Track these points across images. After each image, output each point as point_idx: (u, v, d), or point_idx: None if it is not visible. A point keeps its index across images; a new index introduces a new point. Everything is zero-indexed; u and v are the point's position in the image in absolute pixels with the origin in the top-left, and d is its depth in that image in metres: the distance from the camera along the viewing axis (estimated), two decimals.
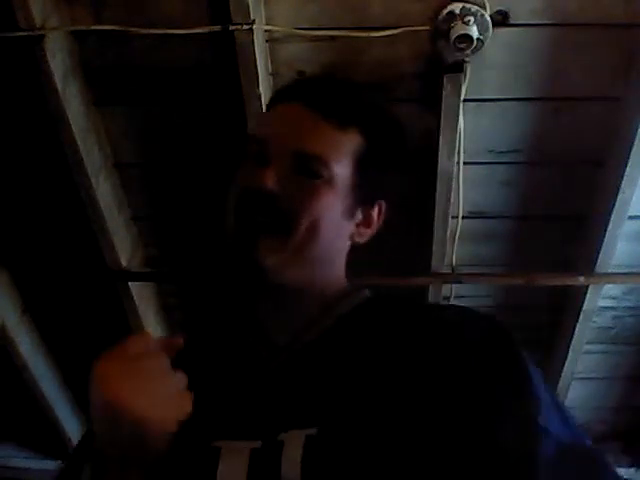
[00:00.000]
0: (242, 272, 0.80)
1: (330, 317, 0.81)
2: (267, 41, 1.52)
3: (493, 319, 0.76)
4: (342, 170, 0.80)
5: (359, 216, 0.84)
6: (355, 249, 0.87)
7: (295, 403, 0.73)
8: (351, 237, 0.85)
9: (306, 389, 0.73)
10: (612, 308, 2.08)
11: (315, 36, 1.50)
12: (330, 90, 0.86)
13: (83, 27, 1.50)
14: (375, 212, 0.86)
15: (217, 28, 1.44)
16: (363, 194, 0.82)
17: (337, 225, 0.81)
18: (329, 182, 0.79)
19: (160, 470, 0.69)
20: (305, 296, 0.81)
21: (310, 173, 0.79)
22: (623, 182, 1.63)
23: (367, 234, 0.86)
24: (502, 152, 1.71)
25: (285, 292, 0.80)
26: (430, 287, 1.97)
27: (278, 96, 0.88)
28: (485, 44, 1.44)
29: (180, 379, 0.68)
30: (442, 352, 0.70)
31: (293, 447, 0.68)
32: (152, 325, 2.11)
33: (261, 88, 1.51)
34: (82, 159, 1.64)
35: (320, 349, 0.78)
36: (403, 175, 0.90)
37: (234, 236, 0.79)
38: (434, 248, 1.84)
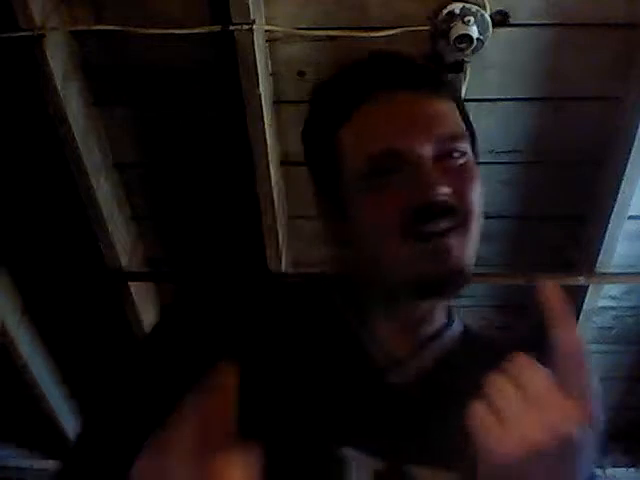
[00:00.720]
0: (440, 284, 0.70)
1: (446, 341, 0.76)
2: (267, 41, 1.52)
3: None
4: (467, 137, 0.75)
5: None
6: None
7: (420, 434, 0.67)
8: None
9: (436, 419, 0.67)
10: (612, 308, 2.07)
11: (315, 36, 1.50)
12: (413, 65, 0.78)
13: (83, 27, 1.50)
14: None
15: (217, 28, 1.44)
16: (476, 157, 0.78)
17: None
18: (470, 157, 0.74)
19: (283, 473, 0.63)
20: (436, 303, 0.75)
21: (454, 152, 0.72)
22: (623, 182, 1.63)
23: None
24: (502, 152, 1.71)
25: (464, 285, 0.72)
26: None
27: (357, 91, 0.74)
28: (485, 44, 1.44)
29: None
30: None
31: None
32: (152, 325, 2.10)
33: (261, 88, 1.51)
34: (82, 159, 1.64)
35: (448, 373, 0.71)
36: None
37: (422, 258, 0.69)
38: None
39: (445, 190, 0.68)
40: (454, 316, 0.80)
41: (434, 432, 0.66)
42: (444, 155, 0.71)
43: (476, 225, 0.72)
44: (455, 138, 0.72)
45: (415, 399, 0.69)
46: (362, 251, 0.74)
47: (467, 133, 0.75)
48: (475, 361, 0.68)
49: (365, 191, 0.71)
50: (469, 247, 0.71)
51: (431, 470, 0.65)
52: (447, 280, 0.69)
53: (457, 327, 0.79)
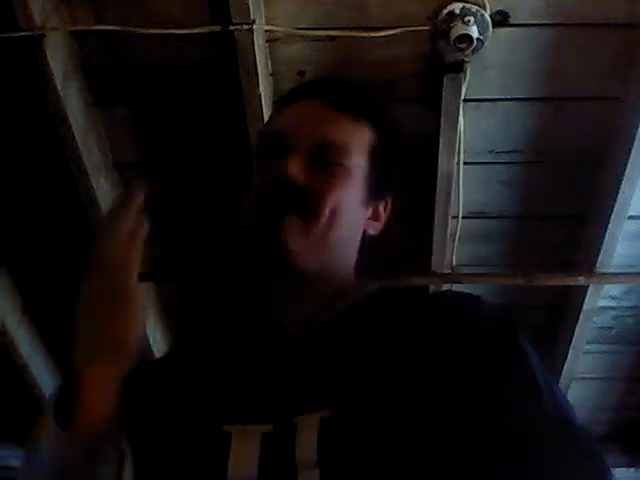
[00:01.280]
0: (263, 258, 0.81)
1: (342, 305, 0.82)
2: (267, 41, 1.52)
3: (503, 311, 0.78)
4: (359, 160, 0.84)
5: (370, 209, 0.87)
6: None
7: (307, 388, 0.73)
8: (364, 228, 0.87)
9: (317, 374, 0.74)
10: (612, 308, 2.08)
11: (315, 36, 1.50)
12: (341, 88, 0.90)
13: (83, 27, 1.50)
14: (382, 207, 0.89)
15: (217, 28, 1.44)
16: (374, 187, 0.86)
17: (355, 213, 0.84)
18: (349, 171, 0.82)
19: (171, 456, 0.72)
20: (320, 284, 0.82)
21: (331, 162, 0.82)
22: (623, 182, 1.63)
23: (377, 227, 0.89)
24: (502, 152, 1.71)
25: (302, 278, 0.81)
26: (430, 287, 1.97)
27: (291, 95, 0.90)
28: (485, 44, 1.44)
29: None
30: (451, 340, 0.72)
31: (307, 430, 0.69)
32: (152, 325, 2.11)
33: (261, 88, 1.51)
34: (82, 159, 1.64)
35: (331, 335, 0.79)
36: (406, 174, 0.93)
37: (258, 225, 0.80)
38: (434, 248, 1.84)
39: (296, 177, 0.78)
40: (364, 282, 0.87)
41: (309, 386, 0.73)
42: (318, 158, 0.81)
43: (324, 225, 0.80)
44: (332, 149, 0.82)
45: (299, 362, 0.77)
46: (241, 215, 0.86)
47: (356, 157, 0.83)
48: (367, 322, 0.78)
49: (257, 166, 0.85)
50: (305, 237, 0.78)
51: (307, 414, 0.70)
52: (266, 248, 0.79)
53: (369, 286, 0.86)
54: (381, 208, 0.88)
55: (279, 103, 0.93)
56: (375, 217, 0.88)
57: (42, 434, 0.72)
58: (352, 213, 0.83)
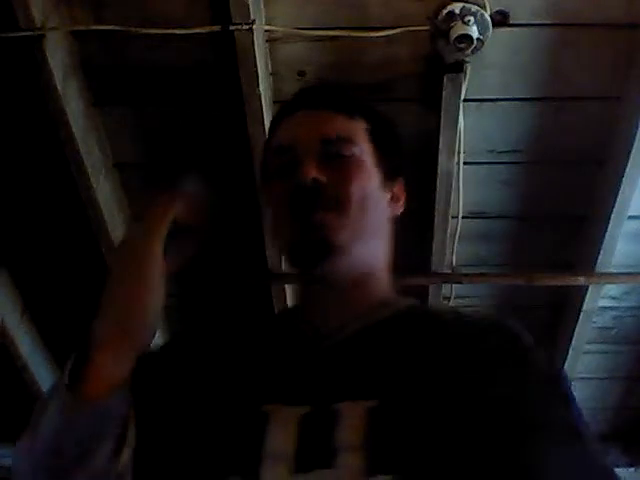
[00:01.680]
0: (313, 261, 0.83)
1: (381, 313, 0.86)
2: (267, 41, 1.52)
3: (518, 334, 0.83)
4: (365, 146, 0.88)
5: (389, 192, 0.91)
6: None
7: (346, 379, 0.77)
8: (389, 208, 0.92)
9: (357, 368, 0.78)
10: (612, 308, 2.08)
11: (315, 36, 1.50)
12: (330, 93, 0.96)
13: (83, 27, 1.50)
14: (398, 188, 0.93)
15: (217, 28, 1.44)
16: (385, 169, 0.90)
17: (378, 196, 0.89)
18: (360, 158, 0.87)
19: (209, 432, 0.75)
20: (362, 284, 0.87)
21: (341, 154, 0.86)
22: (623, 182, 1.63)
23: (399, 208, 0.93)
24: (502, 152, 1.71)
25: (347, 273, 0.85)
26: (430, 287, 1.97)
27: (284, 111, 0.94)
28: (485, 44, 1.44)
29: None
30: (479, 352, 0.77)
31: (353, 416, 0.72)
32: None
33: (261, 88, 1.51)
34: (82, 159, 1.64)
35: (371, 338, 0.82)
36: (403, 157, 0.97)
37: (299, 234, 0.83)
38: (434, 248, 1.84)
39: (314, 176, 0.82)
40: (399, 296, 0.92)
41: (353, 376, 0.77)
42: (330, 154, 0.85)
43: (356, 214, 0.84)
44: (339, 141, 0.86)
45: (338, 356, 0.80)
46: (272, 235, 0.93)
47: (361, 144, 0.88)
48: (405, 326, 0.83)
49: (270, 181, 0.89)
50: (345, 229, 0.82)
51: (350, 402, 0.74)
52: (314, 248, 0.82)
53: (401, 301, 0.91)
54: (396, 189, 0.93)
55: (272, 124, 0.96)
56: (395, 198, 0.93)
57: (48, 404, 0.79)
58: (376, 196, 0.88)
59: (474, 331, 0.81)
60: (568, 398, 0.76)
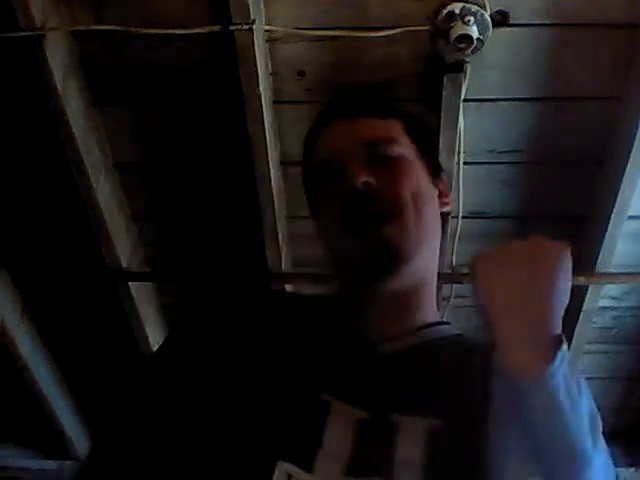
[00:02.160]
0: (382, 269, 0.82)
1: (431, 333, 0.86)
2: (267, 41, 1.52)
3: None
4: (407, 144, 0.88)
5: (436, 188, 0.91)
6: None
7: (406, 391, 0.76)
8: (440, 205, 0.91)
9: (419, 382, 0.78)
10: (612, 308, 2.08)
11: (315, 36, 1.50)
12: (360, 101, 0.97)
13: (83, 27, 1.50)
14: (443, 184, 0.93)
15: (217, 28, 1.44)
16: (430, 165, 0.90)
17: (430, 193, 0.88)
18: (405, 157, 0.86)
19: (269, 415, 0.73)
20: (417, 290, 0.85)
21: (387, 155, 0.85)
22: (623, 182, 1.63)
23: (448, 203, 0.93)
24: (502, 152, 1.71)
25: (406, 284, 0.83)
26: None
27: (319, 123, 0.93)
28: (485, 44, 1.44)
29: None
30: None
31: (413, 432, 0.72)
32: (152, 325, 2.11)
33: (261, 88, 1.51)
34: (82, 159, 1.64)
35: (430, 354, 0.82)
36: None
37: (361, 249, 0.81)
38: None
39: (365, 179, 0.81)
40: (448, 322, 0.92)
41: (413, 391, 0.77)
42: (375, 158, 0.85)
43: (413, 213, 0.83)
44: (381, 143, 0.86)
45: (398, 366, 0.79)
46: (326, 246, 0.90)
47: (401, 142, 0.88)
48: (457, 353, 0.83)
49: (321, 195, 0.89)
50: (407, 233, 0.81)
51: (411, 417, 0.73)
52: (382, 263, 0.81)
53: (450, 329, 0.90)
54: (442, 185, 0.93)
55: (308, 140, 0.95)
56: (443, 194, 0.92)
57: None
58: (427, 193, 0.88)
59: None
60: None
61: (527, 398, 0.66)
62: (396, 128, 0.89)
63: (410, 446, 0.71)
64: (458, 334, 0.90)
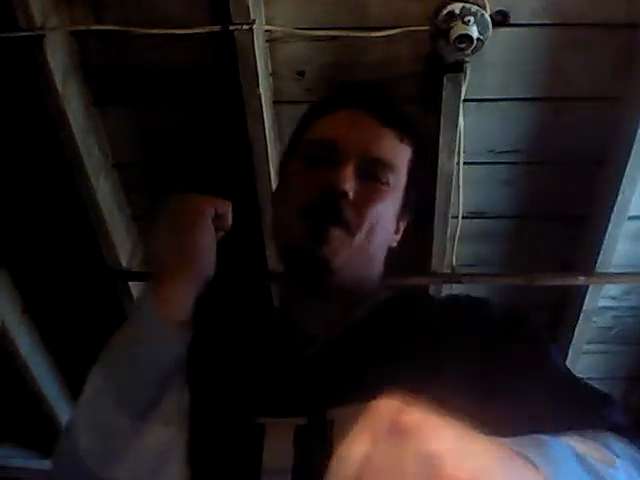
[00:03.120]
0: (305, 272, 0.82)
1: (362, 310, 0.85)
2: (267, 41, 1.52)
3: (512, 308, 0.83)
4: (402, 178, 0.86)
5: (398, 222, 0.90)
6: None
7: (338, 384, 0.76)
8: (392, 239, 0.90)
9: (347, 372, 0.77)
10: (612, 308, 2.08)
11: (315, 36, 1.50)
12: (384, 99, 0.93)
13: (83, 27, 1.50)
14: (406, 222, 0.92)
15: (217, 28, 1.44)
16: (407, 204, 0.89)
17: (389, 228, 0.87)
18: (393, 188, 0.85)
19: (204, 446, 0.74)
20: (349, 296, 0.84)
21: (378, 178, 0.84)
22: (623, 182, 1.63)
23: (396, 240, 0.91)
24: (502, 152, 1.71)
25: (336, 292, 0.82)
26: (430, 287, 1.97)
27: (334, 102, 0.91)
28: (485, 44, 1.44)
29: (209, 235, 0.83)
30: (472, 333, 0.76)
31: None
32: None
33: (261, 88, 1.51)
34: (82, 159, 1.64)
35: (356, 337, 0.81)
36: (428, 189, 0.97)
37: (303, 237, 0.81)
38: (434, 248, 1.84)
39: (348, 190, 0.80)
40: (377, 288, 0.90)
41: (343, 382, 0.76)
42: (367, 173, 0.83)
43: (363, 239, 0.82)
44: (384, 165, 0.84)
45: (327, 362, 0.79)
46: (274, 217, 0.91)
47: (399, 175, 0.86)
48: (388, 325, 0.81)
49: (300, 168, 0.86)
50: (346, 252, 0.80)
51: (345, 407, 0.71)
52: (311, 265, 0.80)
53: (379, 298, 0.88)
54: (402, 224, 0.91)
55: (317, 110, 0.92)
56: (399, 230, 0.91)
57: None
58: (388, 227, 0.86)
59: (466, 311, 0.81)
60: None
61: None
62: (403, 157, 0.87)
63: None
64: (388, 297, 0.88)
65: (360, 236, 0.81)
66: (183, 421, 0.75)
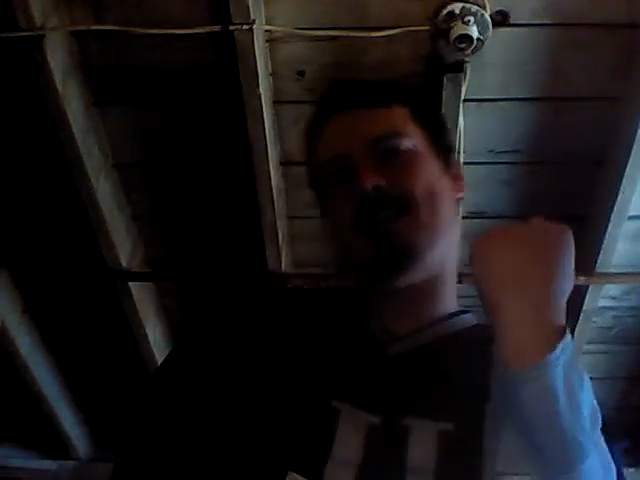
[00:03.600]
0: (394, 268, 0.79)
1: (445, 329, 0.83)
2: (267, 41, 1.52)
3: None
4: (415, 134, 0.84)
5: (449, 170, 0.87)
6: None
7: (417, 393, 0.74)
8: (454, 191, 0.87)
9: (428, 383, 0.75)
10: (612, 308, 2.07)
11: (315, 36, 1.50)
12: (359, 88, 0.91)
13: (83, 27, 1.50)
14: (455, 165, 0.90)
15: (217, 28, 1.44)
16: (440, 151, 0.86)
17: (443, 184, 0.85)
18: (415, 149, 0.83)
19: (279, 424, 0.72)
20: (437, 283, 0.83)
21: (396, 149, 0.82)
22: (623, 182, 1.63)
23: (462, 187, 0.89)
24: (502, 152, 1.71)
25: (424, 281, 0.81)
26: None
27: (320, 116, 0.90)
28: (485, 44, 1.44)
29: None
30: None
31: (424, 437, 0.70)
32: (152, 325, 2.11)
33: (261, 88, 1.51)
34: (82, 159, 1.64)
35: (442, 351, 0.79)
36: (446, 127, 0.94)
37: (372, 246, 0.79)
38: None
39: (376, 181, 0.78)
40: (466, 311, 0.88)
41: (425, 392, 0.74)
42: (383, 154, 0.82)
43: (428, 210, 0.80)
44: (390, 136, 0.83)
45: (409, 367, 0.77)
46: (333, 246, 0.88)
47: (409, 133, 0.85)
48: (470, 348, 0.79)
49: (329, 195, 0.86)
50: (420, 230, 0.79)
51: (423, 419, 0.71)
52: (391, 260, 0.78)
53: (467, 320, 0.86)
54: (454, 168, 0.89)
55: (312, 131, 0.92)
56: (457, 175, 0.89)
57: None
58: (441, 185, 0.84)
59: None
60: None
61: (521, 386, 0.63)
62: (402, 117, 0.86)
63: (421, 451, 0.69)
64: (475, 325, 0.86)
65: (423, 209, 0.80)
66: None
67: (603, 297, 1.99)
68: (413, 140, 0.83)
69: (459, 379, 0.75)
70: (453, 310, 0.87)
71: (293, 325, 0.83)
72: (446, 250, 0.84)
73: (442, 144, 0.88)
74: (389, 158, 0.82)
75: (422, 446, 0.69)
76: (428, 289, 0.83)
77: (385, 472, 0.69)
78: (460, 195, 0.89)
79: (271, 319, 0.84)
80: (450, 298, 0.87)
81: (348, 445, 0.70)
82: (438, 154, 0.86)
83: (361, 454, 0.70)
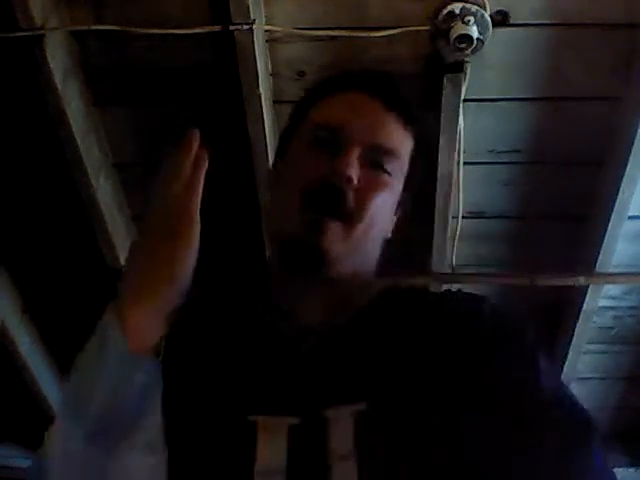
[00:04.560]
0: (302, 262, 0.78)
1: (357, 304, 0.82)
2: (267, 41, 1.52)
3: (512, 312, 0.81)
4: (404, 168, 0.84)
5: (396, 213, 0.87)
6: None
7: (333, 382, 0.73)
8: (388, 231, 0.87)
9: (342, 370, 0.74)
10: (612, 308, 2.08)
11: (315, 36, 1.50)
12: (389, 85, 0.89)
13: (83, 27, 1.50)
14: (399, 214, 0.88)
15: (217, 28, 1.44)
16: (406, 194, 0.86)
17: (388, 218, 0.85)
18: (395, 176, 0.82)
19: (196, 444, 0.71)
20: (344, 287, 0.82)
21: (381, 166, 0.81)
22: (623, 182, 1.63)
23: (390, 232, 0.88)
24: (502, 152, 1.71)
25: (333, 282, 0.80)
26: (430, 287, 1.97)
27: (338, 83, 0.88)
28: (485, 44, 1.44)
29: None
30: (464, 338, 0.74)
31: (342, 422, 0.69)
32: None
33: (261, 88, 1.51)
34: (82, 159, 1.64)
35: (351, 333, 0.78)
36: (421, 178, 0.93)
37: (301, 226, 0.78)
38: (434, 248, 1.84)
39: (355, 175, 0.77)
40: (370, 282, 0.87)
41: (340, 378, 0.73)
42: (372, 161, 0.81)
43: (363, 229, 0.79)
44: (389, 153, 0.82)
45: (324, 357, 0.76)
46: (274, 198, 0.87)
47: (402, 164, 0.84)
48: (386, 318, 0.79)
49: (303, 149, 0.83)
50: (345, 243, 0.78)
51: (339, 406, 0.70)
52: (306, 255, 0.77)
53: (374, 287, 0.85)
54: (399, 213, 0.88)
55: (322, 90, 0.89)
56: (394, 221, 0.88)
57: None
58: (387, 218, 0.84)
59: (461, 312, 0.78)
60: (564, 392, 0.74)
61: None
62: (407, 145, 0.85)
63: (340, 438, 0.68)
64: (386, 288, 0.86)
65: (361, 226, 0.78)
66: (163, 443, 0.70)
67: (603, 297, 1.99)
68: (399, 169, 0.83)
69: (374, 354, 0.74)
70: (364, 285, 0.85)
71: (211, 337, 0.83)
72: (362, 267, 0.83)
73: (410, 192, 0.87)
74: (372, 167, 0.81)
75: (340, 433, 0.68)
76: (339, 287, 0.81)
77: (310, 468, 0.68)
78: (388, 236, 0.88)
79: (198, 336, 0.83)
80: (361, 291, 0.85)
81: (271, 454, 0.69)
82: (402, 196, 0.86)
83: (285, 457, 0.69)
